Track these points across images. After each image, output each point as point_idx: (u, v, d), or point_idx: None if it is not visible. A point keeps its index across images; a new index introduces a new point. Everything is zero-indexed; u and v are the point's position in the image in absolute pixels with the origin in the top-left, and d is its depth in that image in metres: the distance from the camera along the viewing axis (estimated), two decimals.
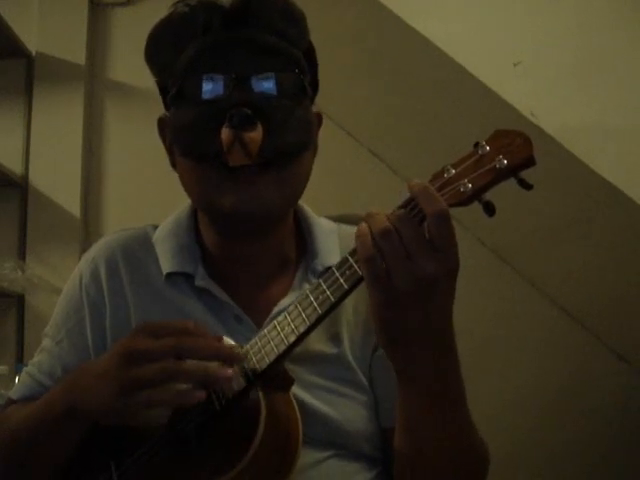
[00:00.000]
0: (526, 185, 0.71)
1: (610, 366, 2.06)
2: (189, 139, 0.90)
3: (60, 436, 0.86)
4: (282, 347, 0.80)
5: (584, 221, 1.80)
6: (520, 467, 1.99)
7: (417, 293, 0.70)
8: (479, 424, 0.84)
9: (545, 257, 2.03)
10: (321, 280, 0.79)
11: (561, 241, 1.91)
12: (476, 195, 0.72)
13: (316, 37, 0.97)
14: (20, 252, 2.21)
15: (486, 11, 1.69)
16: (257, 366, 0.81)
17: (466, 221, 1.90)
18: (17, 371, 1.89)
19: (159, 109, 1.00)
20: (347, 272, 0.77)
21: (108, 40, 2.35)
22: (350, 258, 0.77)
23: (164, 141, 0.99)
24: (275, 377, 0.82)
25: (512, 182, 0.72)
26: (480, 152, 0.72)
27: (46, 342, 1.01)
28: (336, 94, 1.82)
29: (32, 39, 2.26)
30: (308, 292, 0.80)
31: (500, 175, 0.71)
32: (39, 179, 2.23)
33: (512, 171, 0.71)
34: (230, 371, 0.76)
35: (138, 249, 1.01)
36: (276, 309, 0.93)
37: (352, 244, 0.74)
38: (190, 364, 0.75)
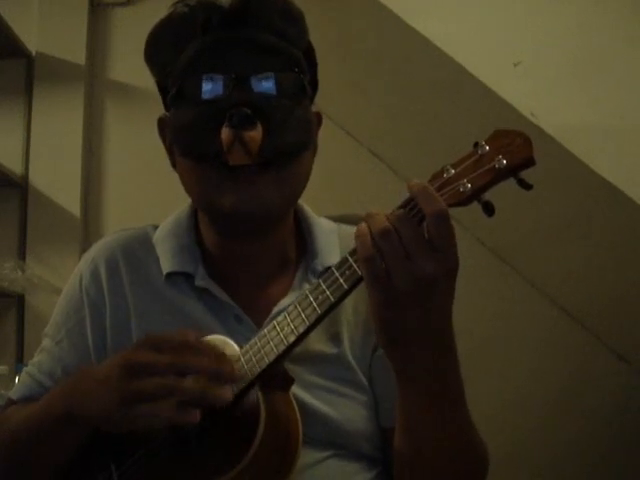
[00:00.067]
0: (526, 185, 0.71)
1: (610, 366, 2.06)
2: (189, 139, 0.90)
3: (60, 438, 0.86)
4: (281, 347, 0.80)
5: (584, 221, 1.80)
6: (520, 467, 1.99)
7: (416, 293, 0.71)
8: (479, 424, 0.84)
9: (545, 257, 2.03)
10: (321, 280, 0.79)
11: (561, 241, 1.91)
12: (475, 195, 0.72)
13: (316, 37, 0.97)
14: (20, 252, 2.21)
15: (486, 11, 1.69)
16: (257, 366, 0.81)
17: (465, 221, 1.89)
18: (17, 371, 1.89)
19: (159, 109, 1.00)
20: (347, 272, 0.77)
21: (108, 40, 2.35)
22: (350, 258, 0.77)
23: (164, 141, 0.99)
24: (275, 377, 0.82)
25: (512, 182, 0.72)
26: (480, 152, 0.72)
27: (46, 342, 1.01)
28: (336, 94, 1.82)
29: (32, 39, 2.26)
30: (308, 292, 0.80)
31: (500, 175, 0.71)
32: (39, 179, 2.23)
33: (512, 171, 0.71)
34: (229, 393, 0.77)
35: (138, 249, 1.01)
36: (276, 309, 0.93)
37: (352, 244, 0.74)
38: (190, 382, 0.76)
